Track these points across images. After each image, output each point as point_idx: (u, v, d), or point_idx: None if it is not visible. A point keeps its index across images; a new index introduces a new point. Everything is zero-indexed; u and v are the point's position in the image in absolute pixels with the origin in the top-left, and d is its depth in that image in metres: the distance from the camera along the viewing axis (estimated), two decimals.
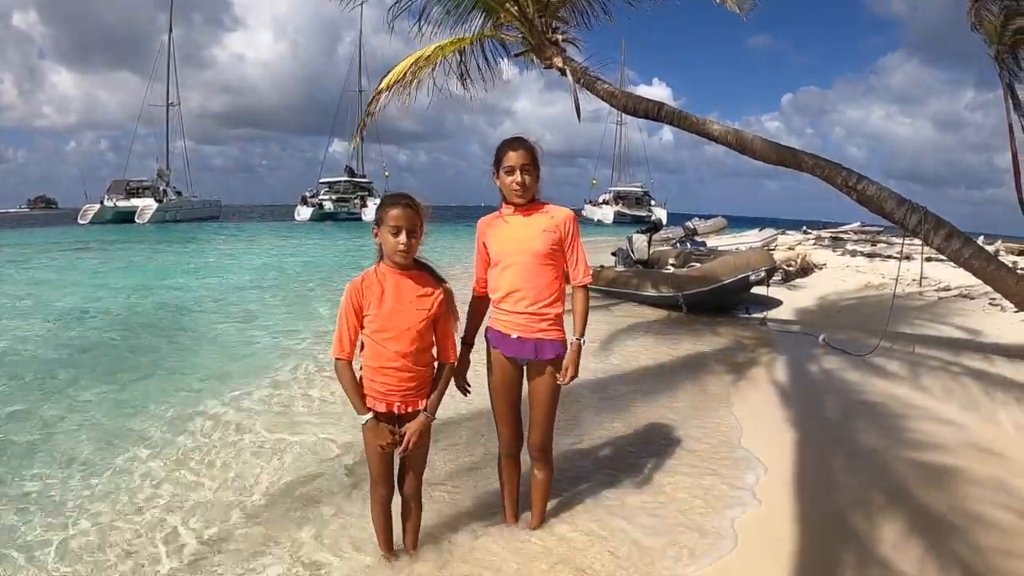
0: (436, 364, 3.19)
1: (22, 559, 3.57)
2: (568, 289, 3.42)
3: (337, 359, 3.02)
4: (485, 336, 3.49)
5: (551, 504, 3.81)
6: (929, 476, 4.37)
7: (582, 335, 3.37)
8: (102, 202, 51.82)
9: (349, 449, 4.96)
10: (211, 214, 63.17)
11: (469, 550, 3.51)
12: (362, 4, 9.52)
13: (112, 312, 11.94)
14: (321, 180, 66.13)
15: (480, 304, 3.53)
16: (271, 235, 40.67)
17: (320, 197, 62.78)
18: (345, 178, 65.25)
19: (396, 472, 3.26)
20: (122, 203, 52.35)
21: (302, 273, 19.47)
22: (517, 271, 3.29)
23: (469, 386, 3.50)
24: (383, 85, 9.42)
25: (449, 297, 3.14)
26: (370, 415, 3.01)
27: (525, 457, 3.61)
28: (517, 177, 3.26)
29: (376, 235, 3.01)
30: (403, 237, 2.92)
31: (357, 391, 3.03)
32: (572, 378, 3.34)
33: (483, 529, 3.72)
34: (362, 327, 3.02)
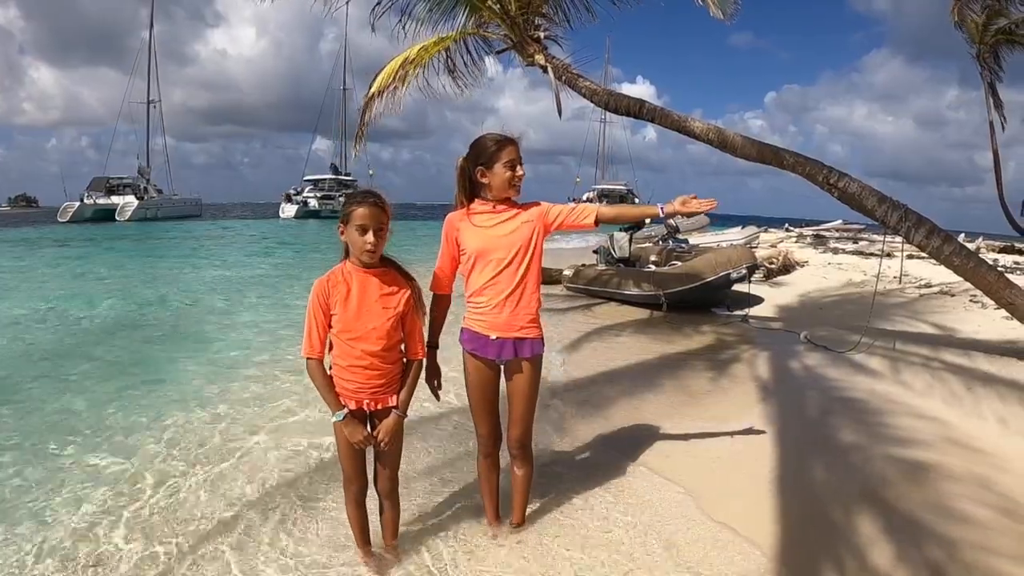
0: (405, 360, 3.16)
1: None
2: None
3: (308, 358, 2.97)
4: (460, 338, 3.42)
5: (532, 504, 3.77)
6: (910, 472, 4.38)
7: None
8: (82, 200, 51.25)
9: (322, 447, 4.91)
10: (192, 212, 62.80)
11: (449, 548, 3.48)
12: (347, 2, 9.48)
13: (96, 313, 11.81)
14: (306, 178, 65.92)
15: (442, 304, 3.44)
16: (258, 233, 40.31)
17: (305, 195, 62.56)
18: (330, 176, 65.06)
19: (372, 470, 3.23)
20: (102, 201, 51.84)
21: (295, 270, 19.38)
22: (499, 265, 3.25)
23: (440, 388, 3.45)
24: (373, 90, 9.38)
25: (417, 294, 3.11)
26: (345, 411, 2.98)
27: (505, 455, 3.56)
28: (520, 171, 3.26)
29: (342, 233, 2.97)
30: (370, 236, 2.88)
31: (330, 388, 2.99)
32: None
33: (463, 527, 3.69)
34: (330, 326, 2.98)
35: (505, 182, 3.25)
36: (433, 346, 3.40)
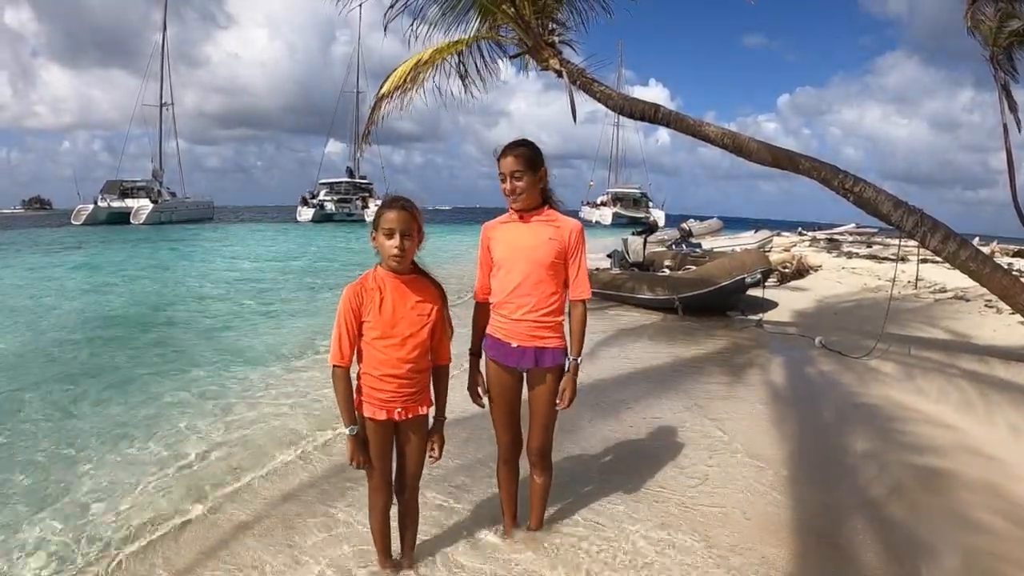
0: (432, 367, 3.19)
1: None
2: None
3: (335, 366, 2.97)
4: (483, 345, 3.44)
5: (549, 510, 3.79)
6: (924, 479, 4.39)
7: (579, 354, 3.34)
8: (96, 203, 51.50)
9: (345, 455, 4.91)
10: (205, 215, 63.02)
11: (467, 557, 3.50)
12: (360, 5, 9.50)
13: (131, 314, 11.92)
14: (321, 181, 65.87)
15: (484, 312, 3.44)
16: (281, 236, 40.04)
17: (321, 198, 62.54)
18: (346, 179, 65.01)
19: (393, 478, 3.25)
20: (116, 204, 52.06)
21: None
22: (520, 277, 3.25)
23: (484, 395, 3.45)
24: (384, 91, 9.41)
25: (446, 304, 3.14)
26: (356, 428, 3.01)
27: (524, 463, 3.58)
28: (507, 185, 3.24)
29: (374, 239, 2.99)
30: (397, 239, 2.89)
31: (348, 402, 3.00)
32: (571, 401, 3.33)
33: (482, 535, 3.71)
34: (360, 334, 2.99)
35: (504, 194, 3.29)
36: (476, 353, 3.44)
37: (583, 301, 3.35)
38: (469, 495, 4.24)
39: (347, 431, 3.01)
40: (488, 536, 3.68)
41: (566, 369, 3.34)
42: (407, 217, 2.91)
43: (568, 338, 3.37)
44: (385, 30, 9.36)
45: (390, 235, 2.90)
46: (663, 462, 4.75)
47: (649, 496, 4.20)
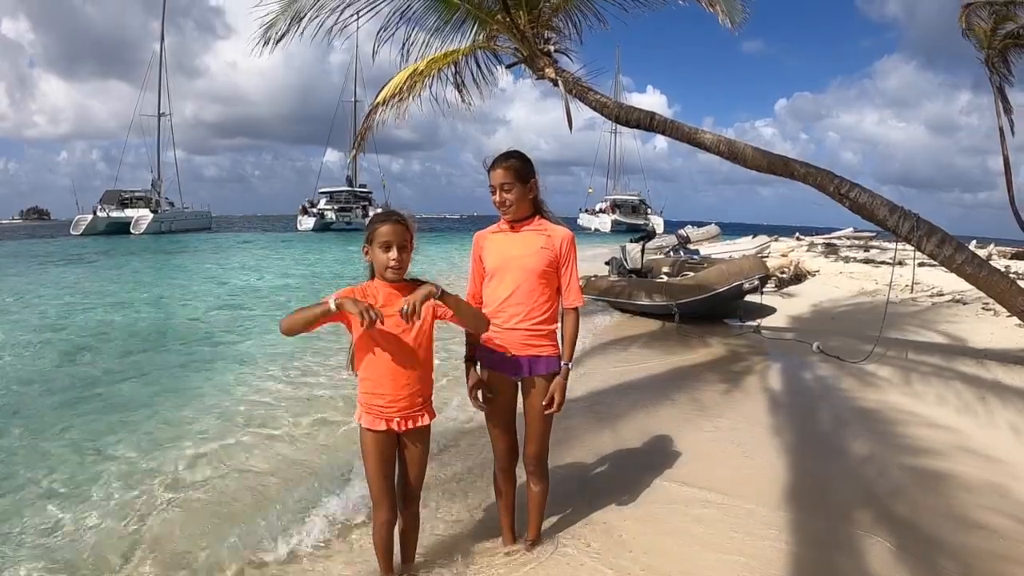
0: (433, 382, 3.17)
1: None
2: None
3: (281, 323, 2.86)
4: (478, 354, 3.44)
5: (547, 522, 3.79)
6: (924, 482, 4.39)
7: (570, 359, 3.35)
8: (95, 213, 51.56)
9: (349, 469, 4.88)
10: (203, 225, 63.13)
11: (466, 567, 3.49)
12: (357, 29, 9.48)
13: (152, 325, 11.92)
14: (321, 190, 65.88)
15: None
16: (289, 246, 39.97)
17: (321, 207, 62.50)
18: (346, 188, 65.01)
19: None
20: (115, 214, 52.14)
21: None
22: (512, 287, 3.27)
23: (489, 394, 3.42)
24: (379, 99, 9.41)
25: (435, 287, 2.95)
26: (333, 303, 2.77)
27: (521, 471, 3.57)
28: (497, 197, 3.27)
29: (366, 253, 3.01)
30: (394, 252, 2.91)
31: (311, 307, 2.83)
32: (560, 405, 3.33)
33: (480, 544, 3.71)
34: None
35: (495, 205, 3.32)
36: (470, 359, 3.45)
37: (575, 309, 3.37)
38: (467, 505, 4.25)
39: (331, 306, 2.77)
40: (487, 547, 3.68)
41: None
42: (402, 230, 2.93)
43: (561, 345, 3.38)
44: (373, 57, 9.38)
45: (387, 248, 2.91)
46: (661, 470, 4.74)
47: (647, 506, 4.19)
